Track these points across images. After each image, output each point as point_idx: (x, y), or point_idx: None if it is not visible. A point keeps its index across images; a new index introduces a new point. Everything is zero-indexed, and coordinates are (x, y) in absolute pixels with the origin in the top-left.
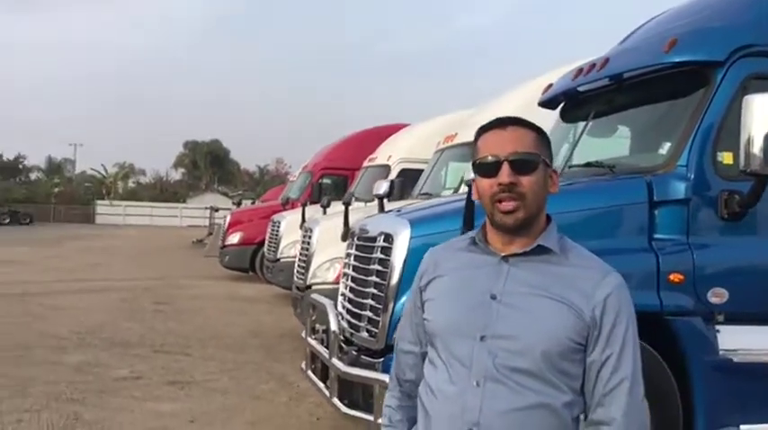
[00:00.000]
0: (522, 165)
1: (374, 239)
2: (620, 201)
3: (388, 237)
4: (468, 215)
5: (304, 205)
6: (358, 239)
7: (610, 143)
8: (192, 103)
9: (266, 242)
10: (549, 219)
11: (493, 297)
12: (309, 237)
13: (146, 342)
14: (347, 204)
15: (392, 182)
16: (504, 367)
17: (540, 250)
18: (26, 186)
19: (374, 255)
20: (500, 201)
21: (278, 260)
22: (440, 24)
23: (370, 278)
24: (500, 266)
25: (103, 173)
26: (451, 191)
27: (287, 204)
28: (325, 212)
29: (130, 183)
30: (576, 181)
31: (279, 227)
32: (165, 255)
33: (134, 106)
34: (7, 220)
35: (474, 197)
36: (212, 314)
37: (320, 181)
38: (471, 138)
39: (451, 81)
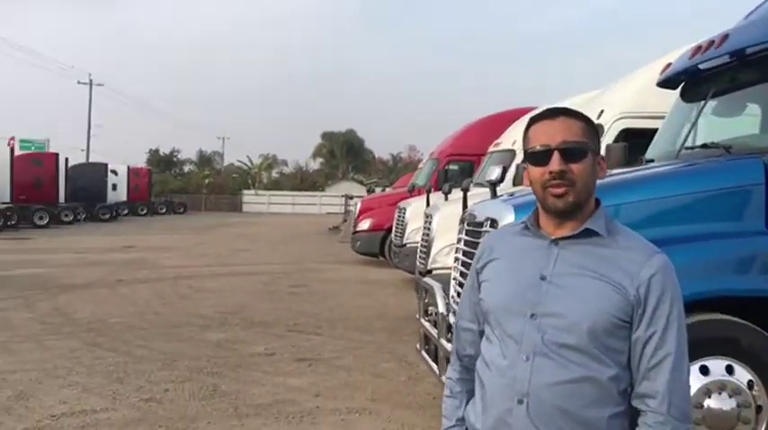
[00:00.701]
0: (571, 153)
1: (481, 224)
2: (733, 182)
3: (494, 222)
4: None
5: (428, 192)
6: (468, 225)
7: (732, 122)
8: (330, 94)
9: (393, 228)
10: (598, 203)
11: (543, 278)
12: (430, 223)
13: (281, 322)
14: (465, 190)
15: (504, 168)
16: (552, 343)
17: (588, 233)
18: (180, 178)
19: (481, 240)
20: (551, 187)
21: (404, 245)
22: (577, 3)
23: None
24: (550, 249)
25: (249, 164)
26: None
27: (413, 191)
28: (446, 199)
29: (274, 174)
30: (690, 162)
31: (405, 213)
32: (303, 241)
33: (276, 100)
34: (164, 209)
35: (525, 184)
36: (343, 297)
37: (446, 167)
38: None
39: (585, 63)
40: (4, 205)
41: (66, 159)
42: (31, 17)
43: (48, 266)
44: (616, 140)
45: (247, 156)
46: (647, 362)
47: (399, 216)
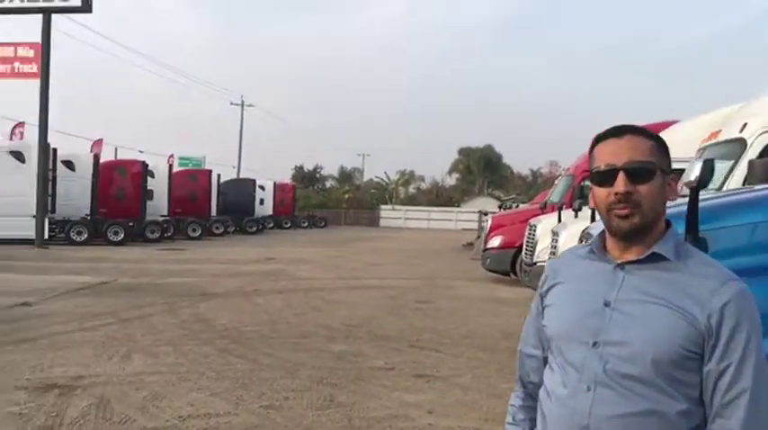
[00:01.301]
0: (637, 173)
1: None
2: None
3: None
4: (692, 219)
5: (560, 209)
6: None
7: None
8: (468, 109)
9: (524, 245)
10: (668, 225)
11: (606, 304)
12: (556, 241)
13: (403, 337)
14: (593, 209)
15: None
16: (615, 373)
17: (656, 257)
18: (322, 193)
19: (546, 264)
20: (615, 209)
21: (534, 264)
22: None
23: None
24: (615, 274)
25: (387, 180)
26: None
27: (545, 208)
28: (576, 216)
29: (411, 189)
30: None
31: (535, 231)
32: (436, 256)
33: (415, 116)
34: (306, 223)
35: (591, 205)
36: (468, 314)
37: (582, 183)
38: (736, 135)
39: (718, 78)
40: (163, 218)
41: (219, 175)
42: (190, 45)
43: (195, 276)
44: (760, 155)
45: (385, 173)
46: (720, 398)
47: (530, 233)
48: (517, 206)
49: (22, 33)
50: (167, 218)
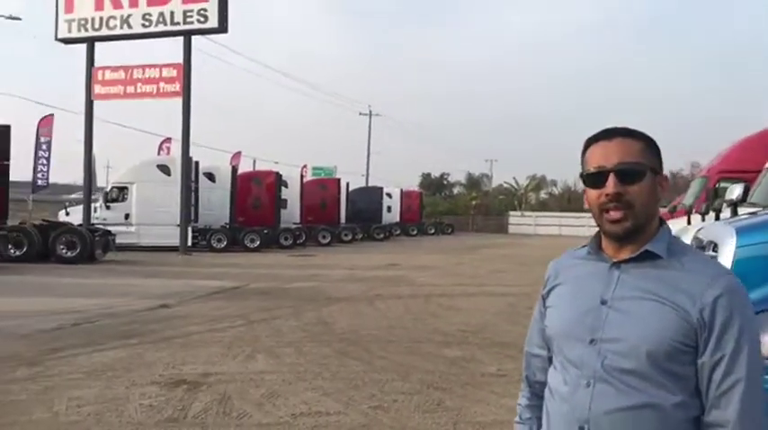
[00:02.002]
0: (627, 174)
1: (704, 248)
2: None
3: (716, 246)
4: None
5: (689, 213)
6: (697, 248)
7: None
8: (600, 112)
9: None
10: (661, 223)
11: (603, 302)
12: None
13: (519, 344)
14: (717, 211)
15: (746, 186)
16: (613, 368)
17: (649, 255)
18: (449, 200)
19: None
20: (608, 211)
21: None
22: None
23: None
24: (611, 273)
25: (516, 185)
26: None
27: (675, 212)
28: (703, 219)
29: (542, 195)
30: None
31: None
32: None
33: (544, 120)
34: (432, 230)
35: (585, 206)
36: None
37: (716, 186)
38: None
39: None
40: (295, 225)
41: (347, 183)
42: (321, 58)
43: (321, 281)
44: None
45: (514, 178)
46: (715, 389)
47: None
48: None
49: (165, 55)
50: (299, 225)
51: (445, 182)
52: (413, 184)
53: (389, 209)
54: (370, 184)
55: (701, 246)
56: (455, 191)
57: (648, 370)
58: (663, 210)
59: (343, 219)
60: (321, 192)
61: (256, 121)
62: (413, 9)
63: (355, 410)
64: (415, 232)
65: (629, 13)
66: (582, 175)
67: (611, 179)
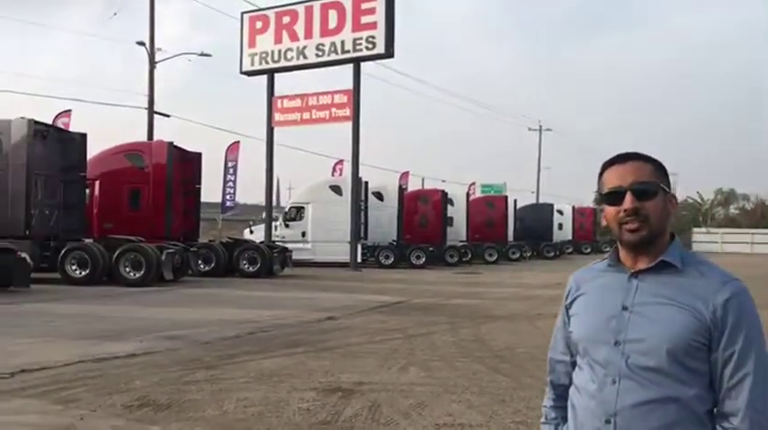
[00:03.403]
0: (643, 192)
1: None
2: None
3: None
4: None
5: None
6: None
7: None
8: None
9: None
10: (673, 237)
11: (624, 308)
12: None
13: None
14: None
15: None
16: (636, 366)
17: (664, 265)
18: None
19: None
20: (627, 223)
21: None
22: None
23: None
24: (630, 282)
25: (700, 200)
26: None
27: None
28: None
29: (732, 210)
30: None
31: None
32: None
33: (730, 129)
34: (608, 249)
35: (603, 223)
36: None
37: None
38: None
39: None
40: (461, 243)
41: (515, 200)
42: (488, 75)
43: (482, 298)
44: None
45: (698, 193)
46: (727, 382)
47: None
48: None
49: (332, 81)
50: (465, 243)
51: None
52: (586, 201)
53: (561, 226)
54: (540, 201)
55: None
56: None
57: (668, 366)
58: None
59: (510, 237)
60: (488, 209)
61: (425, 141)
62: (579, 19)
63: (497, 424)
64: (588, 250)
65: None
66: (600, 195)
67: (629, 196)
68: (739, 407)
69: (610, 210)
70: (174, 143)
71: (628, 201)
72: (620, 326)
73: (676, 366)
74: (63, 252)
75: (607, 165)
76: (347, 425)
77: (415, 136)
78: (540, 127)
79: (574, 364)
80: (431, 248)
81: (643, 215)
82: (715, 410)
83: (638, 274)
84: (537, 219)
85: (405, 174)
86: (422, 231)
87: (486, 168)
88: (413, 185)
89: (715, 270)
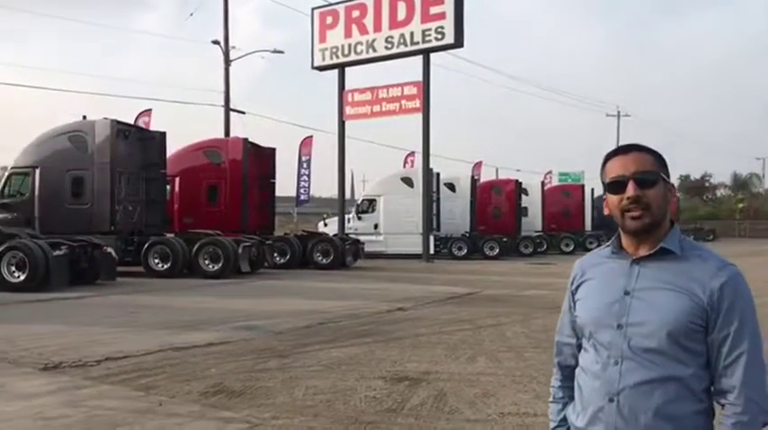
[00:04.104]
0: (644, 181)
1: None
2: None
3: None
4: None
5: None
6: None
7: None
8: None
9: None
10: (672, 224)
11: (626, 293)
12: None
13: None
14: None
15: None
16: (638, 348)
17: (664, 252)
18: (711, 203)
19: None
20: (629, 211)
21: None
22: None
23: None
24: (632, 268)
25: None
26: None
27: None
28: None
29: None
30: None
31: None
32: None
33: None
34: (691, 237)
35: (606, 212)
36: None
37: None
38: None
39: None
40: (536, 233)
41: (592, 189)
42: (564, 60)
43: (555, 289)
44: None
45: None
46: (722, 361)
47: None
48: None
49: (402, 73)
50: (541, 233)
51: (707, 184)
52: None
53: None
54: None
55: None
56: (718, 193)
57: (668, 348)
58: None
59: (588, 227)
60: (564, 199)
61: (499, 130)
62: (656, 2)
63: None
64: None
65: None
66: (604, 184)
67: (631, 185)
68: (734, 385)
69: (613, 199)
70: (249, 139)
71: (630, 189)
72: (623, 311)
73: (675, 347)
74: (146, 246)
75: (610, 156)
76: (412, 413)
77: (489, 126)
78: (618, 113)
79: (580, 347)
80: (504, 239)
81: (645, 203)
82: (712, 388)
83: (640, 261)
84: None
85: (478, 165)
86: (495, 222)
87: (564, 157)
88: (486, 176)
89: (711, 256)
